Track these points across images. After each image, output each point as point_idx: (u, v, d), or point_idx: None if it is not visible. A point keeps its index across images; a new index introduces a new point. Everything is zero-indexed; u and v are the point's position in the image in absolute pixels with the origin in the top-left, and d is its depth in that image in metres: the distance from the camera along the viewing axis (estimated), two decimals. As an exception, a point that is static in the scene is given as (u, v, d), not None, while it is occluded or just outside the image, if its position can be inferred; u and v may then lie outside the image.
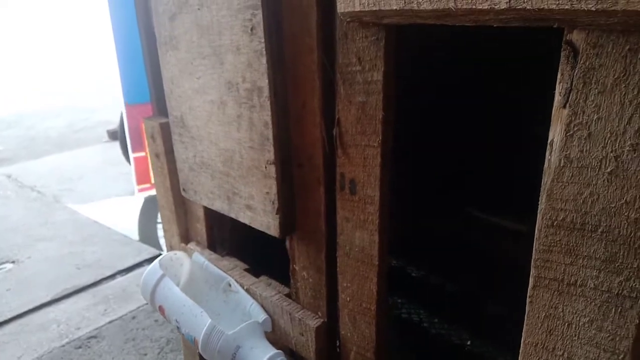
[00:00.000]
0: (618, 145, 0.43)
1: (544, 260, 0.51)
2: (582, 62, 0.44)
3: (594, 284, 0.48)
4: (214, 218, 1.07)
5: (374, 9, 0.56)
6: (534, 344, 0.55)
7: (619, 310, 0.47)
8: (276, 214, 0.80)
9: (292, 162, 0.79)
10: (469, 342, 1.26)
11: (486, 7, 0.45)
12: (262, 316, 0.89)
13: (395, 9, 0.53)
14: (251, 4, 0.70)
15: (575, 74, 0.44)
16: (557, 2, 0.41)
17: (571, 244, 0.49)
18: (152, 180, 2.37)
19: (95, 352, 1.79)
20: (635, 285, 0.45)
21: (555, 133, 0.47)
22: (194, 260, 1.04)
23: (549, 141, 0.48)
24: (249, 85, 0.76)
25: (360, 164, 0.69)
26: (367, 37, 0.62)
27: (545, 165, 0.49)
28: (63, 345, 1.83)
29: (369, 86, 0.64)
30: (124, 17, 2.10)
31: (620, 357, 0.48)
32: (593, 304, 0.49)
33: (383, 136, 0.65)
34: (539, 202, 0.50)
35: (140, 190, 2.46)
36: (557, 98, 0.46)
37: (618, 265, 0.46)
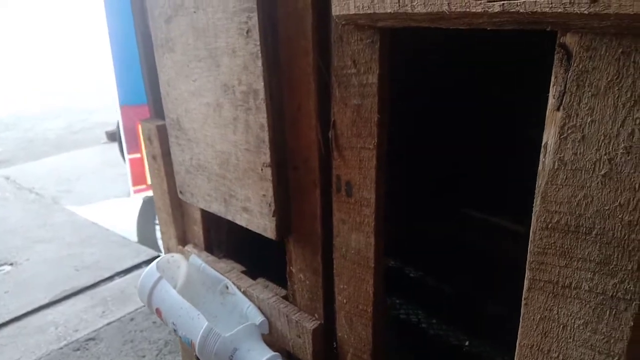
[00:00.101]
0: (612, 148, 0.43)
1: (538, 263, 0.51)
2: (575, 64, 0.44)
3: (589, 287, 0.48)
4: (211, 220, 1.07)
5: (369, 12, 0.56)
6: (529, 346, 0.55)
7: (614, 312, 0.47)
8: (272, 216, 0.80)
9: (288, 164, 0.79)
10: (467, 343, 1.26)
11: (480, 11, 0.46)
12: (259, 318, 0.89)
13: (390, 12, 0.54)
14: (247, 7, 0.70)
15: (568, 77, 0.44)
16: (550, 6, 0.41)
17: (566, 247, 0.49)
18: (148, 182, 2.37)
19: (94, 354, 1.79)
20: (630, 287, 0.46)
21: (549, 136, 0.47)
22: (191, 263, 1.04)
23: (543, 144, 0.48)
24: (245, 87, 0.76)
25: (356, 166, 0.69)
26: (362, 40, 0.62)
27: (539, 168, 0.49)
28: (61, 348, 1.83)
29: (364, 89, 0.64)
30: (119, 19, 2.10)
31: (615, 360, 0.48)
32: (588, 306, 0.49)
33: (378, 138, 0.65)
34: (534, 205, 0.50)
35: (136, 192, 2.46)
36: (551, 101, 0.46)
37: (612, 268, 0.46)
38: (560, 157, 0.47)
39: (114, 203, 3.34)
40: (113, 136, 4.58)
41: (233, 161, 0.84)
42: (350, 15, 0.58)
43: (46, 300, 2.16)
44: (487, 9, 0.45)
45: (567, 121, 0.45)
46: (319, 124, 0.72)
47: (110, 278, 2.33)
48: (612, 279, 0.46)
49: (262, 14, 0.69)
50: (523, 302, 0.54)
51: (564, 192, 0.47)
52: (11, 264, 2.53)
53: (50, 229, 2.92)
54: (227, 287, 0.97)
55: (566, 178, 0.47)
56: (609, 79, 0.42)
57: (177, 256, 1.05)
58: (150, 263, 0.98)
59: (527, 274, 0.52)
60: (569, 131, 0.45)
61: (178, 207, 1.12)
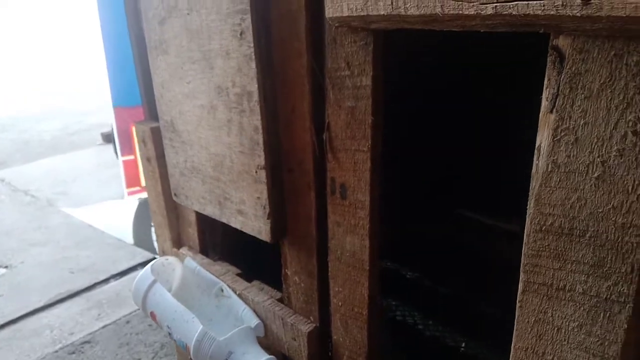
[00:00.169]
0: (605, 150, 0.43)
1: (533, 265, 0.51)
2: (568, 67, 0.44)
3: (583, 289, 0.48)
4: (205, 223, 1.07)
5: (362, 14, 0.56)
6: (524, 349, 0.55)
7: (608, 315, 0.47)
8: (267, 218, 0.80)
9: (282, 166, 0.79)
10: (463, 344, 1.26)
11: (472, 13, 0.45)
12: (254, 321, 0.89)
13: (383, 14, 0.53)
14: (240, 9, 0.70)
15: (561, 79, 0.44)
16: (543, 8, 0.41)
17: (560, 249, 0.49)
18: (142, 184, 2.35)
19: (89, 357, 1.78)
20: (624, 289, 0.45)
21: (543, 138, 0.47)
22: (186, 265, 1.03)
23: (536, 146, 0.48)
24: (239, 89, 0.75)
25: (351, 169, 0.68)
26: (356, 42, 0.61)
27: (533, 171, 0.48)
28: (56, 351, 1.82)
29: (358, 91, 0.63)
30: (112, 20, 2.08)
31: (609, 362, 0.48)
32: (582, 308, 0.49)
33: (372, 141, 0.65)
34: (527, 207, 0.50)
35: (130, 194, 2.44)
36: (544, 103, 0.46)
37: (606, 270, 0.46)
38: (553, 160, 0.46)
39: (109, 205, 3.33)
40: (109, 138, 4.56)
41: (227, 163, 0.84)
42: (344, 17, 0.58)
43: (41, 303, 2.15)
44: (479, 11, 0.45)
45: (560, 124, 0.45)
46: (314, 126, 0.72)
47: (105, 280, 2.32)
48: (606, 281, 0.46)
49: (255, 16, 0.69)
50: (518, 304, 0.54)
51: (558, 195, 0.47)
52: (6, 267, 2.52)
53: (46, 232, 2.91)
54: (222, 290, 0.96)
55: (560, 180, 0.47)
56: (601, 82, 0.42)
57: (171, 259, 1.04)
58: (146, 265, 0.98)
59: (522, 276, 0.52)
60: (562, 134, 0.45)
61: (173, 210, 1.11)
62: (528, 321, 0.53)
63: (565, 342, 0.51)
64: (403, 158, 1.30)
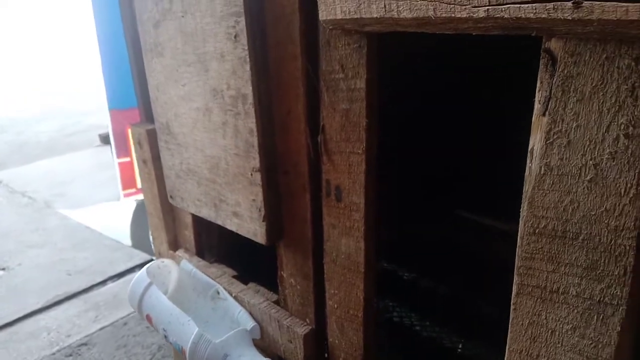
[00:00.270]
0: (597, 153, 0.43)
1: (526, 268, 0.51)
2: (560, 70, 0.44)
3: (576, 292, 0.48)
4: (201, 225, 1.06)
5: (355, 17, 0.56)
6: (518, 351, 0.55)
7: (601, 317, 0.47)
8: (263, 221, 0.79)
9: (277, 169, 0.78)
10: (460, 345, 1.26)
11: (465, 16, 0.45)
12: (250, 323, 0.89)
13: (376, 17, 0.53)
14: (234, 11, 0.70)
15: (554, 82, 0.44)
16: (534, 11, 0.41)
17: (553, 252, 0.49)
18: (138, 185, 2.35)
19: (86, 359, 1.77)
20: (617, 292, 0.46)
21: (536, 141, 0.47)
22: (182, 268, 1.03)
23: (529, 149, 0.48)
24: (234, 92, 0.75)
25: (346, 171, 0.68)
26: (350, 45, 0.61)
27: (526, 173, 0.48)
28: (53, 354, 1.82)
29: (352, 93, 0.63)
30: (107, 22, 2.08)
31: (603, 364, 0.48)
32: (575, 311, 0.49)
33: (367, 143, 0.65)
34: (521, 210, 0.50)
35: (126, 196, 2.44)
36: (537, 106, 0.46)
37: (599, 273, 0.46)
38: (546, 163, 0.46)
39: (107, 206, 3.32)
40: (106, 139, 4.55)
41: (223, 166, 0.84)
42: (337, 20, 0.58)
43: (38, 306, 2.14)
44: (472, 14, 0.45)
45: (552, 126, 0.45)
46: (309, 128, 0.71)
47: (103, 282, 2.32)
48: (599, 284, 0.46)
49: (249, 19, 0.69)
50: (512, 307, 0.54)
51: (551, 197, 0.47)
52: (3, 269, 2.51)
53: (43, 233, 2.90)
54: (219, 293, 0.96)
55: (553, 183, 0.47)
56: (593, 85, 0.42)
57: (167, 261, 1.04)
58: (143, 267, 0.98)
59: (516, 278, 0.52)
60: (555, 136, 0.45)
61: (169, 212, 1.11)
62: (522, 324, 0.53)
63: (559, 345, 0.51)
64: (401, 159, 1.31)
